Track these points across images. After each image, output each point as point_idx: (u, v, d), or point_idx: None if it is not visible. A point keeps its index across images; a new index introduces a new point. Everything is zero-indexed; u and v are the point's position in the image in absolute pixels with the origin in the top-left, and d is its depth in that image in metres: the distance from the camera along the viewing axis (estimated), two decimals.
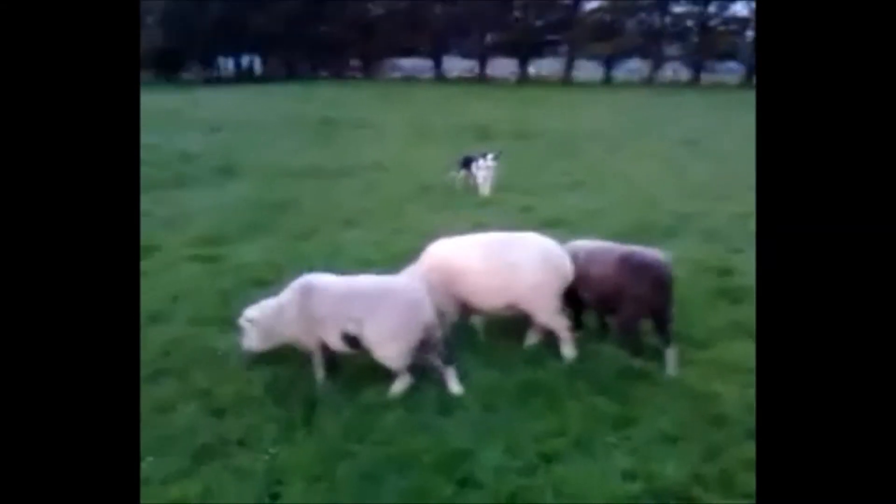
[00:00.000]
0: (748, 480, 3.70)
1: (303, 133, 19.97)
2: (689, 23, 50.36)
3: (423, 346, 4.61)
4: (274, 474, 3.82)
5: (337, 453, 3.99)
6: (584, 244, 5.49)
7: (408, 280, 4.89)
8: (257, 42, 52.21)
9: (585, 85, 48.05)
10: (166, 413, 4.43)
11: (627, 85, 48.37)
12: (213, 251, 8.16)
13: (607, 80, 50.44)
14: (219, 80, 50.77)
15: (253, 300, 5.10)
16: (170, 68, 50.63)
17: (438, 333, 4.71)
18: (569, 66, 52.04)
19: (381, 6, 54.67)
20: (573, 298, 5.43)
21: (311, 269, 5.15)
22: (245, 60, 56.52)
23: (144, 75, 41.82)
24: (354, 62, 56.54)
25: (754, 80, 45.15)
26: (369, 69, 55.31)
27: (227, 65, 56.41)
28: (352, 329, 4.54)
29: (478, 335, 5.57)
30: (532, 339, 5.43)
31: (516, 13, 52.64)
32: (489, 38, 53.04)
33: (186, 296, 6.52)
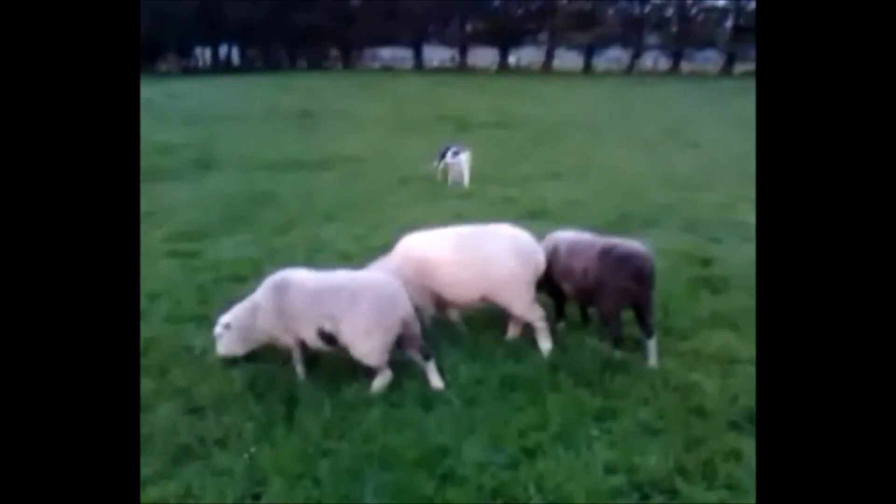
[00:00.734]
0: (730, 471, 3.73)
1: (282, 124, 19.78)
2: (669, 12, 50.62)
3: (402, 341, 4.57)
4: (255, 473, 3.77)
5: (318, 451, 3.95)
6: (565, 236, 5.48)
7: (383, 275, 4.83)
8: (235, 32, 51.51)
9: (566, 74, 48.08)
10: (144, 412, 4.35)
11: (608, 74, 48.48)
12: (191, 246, 8.05)
13: (587, 69, 50.50)
14: (196, 71, 50.11)
15: (231, 296, 5.03)
16: (146, 58, 49.80)
17: (416, 328, 4.67)
18: (549, 56, 52.05)
19: None
20: (554, 290, 5.43)
21: (290, 264, 5.09)
22: (223, 50, 55.78)
23: None
24: (334, 52, 56.07)
25: (733, 69, 46.01)
26: (349, 59, 54.88)
27: (204, 55, 55.64)
28: (328, 327, 4.49)
29: (458, 328, 5.54)
30: (513, 331, 5.42)
31: (496, 2, 52.49)
32: (469, 26, 52.88)
33: (164, 293, 6.42)
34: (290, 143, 16.38)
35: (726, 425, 4.17)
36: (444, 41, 54.65)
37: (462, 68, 51.55)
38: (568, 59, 52.89)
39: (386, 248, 5.69)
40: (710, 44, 50.07)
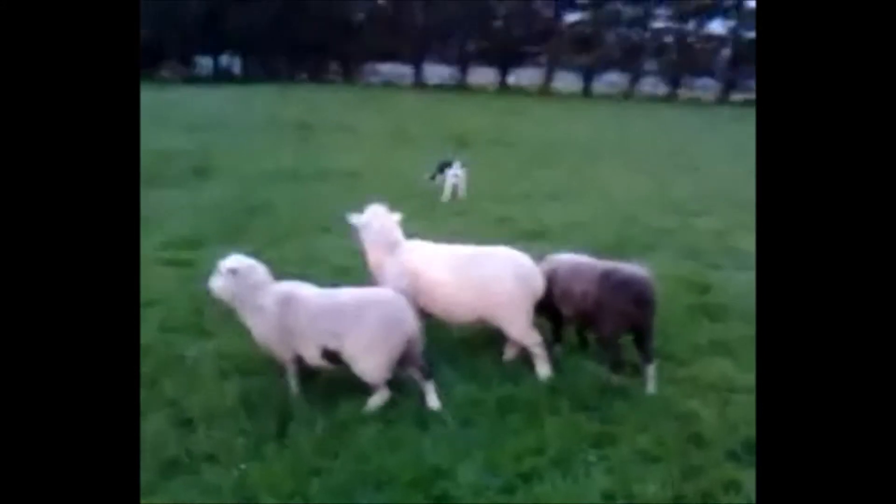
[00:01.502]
0: (730, 502, 3.66)
1: (280, 135, 19.75)
2: (668, 39, 51.11)
3: (404, 359, 4.50)
4: (244, 490, 3.68)
5: (310, 469, 3.86)
6: (564, 258, 5.44)
7: (391, 292, 4.74)
8: (237, 42, 51.68)
9: (564, 96, 48.37)
10: None
11: (606, 97, 48.81)
12: (187, 255, 7.96)
13: (586, 92, 50.82)
14: (197, 80, 50.15)
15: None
16: (149, 65, 49.84)
17: (420, 347, 4.60)
18: (548, 77, 52.36)
19: (363, 10, 54.53)
20: (553, 313, 5.37)
21: (285, 276, 5.02)
22: (224, 60, 55.89)
23: None
24: (334, 65, 56.27)
25: (730, 97, 46.41)
26: (349, 73, 55.07)
27: (205, 64, 55.72)
28: (332, 345, 4.40)
29: (456, 349, 5.47)
30: (511, 353, 5.36)
31: (497, 22, 52.86)
32: (470, 45, 53.18)
33: (158, 301, 6.33)
34: (289, 154, 16.32)
35: (725, 455, 4.12)
36: (445, 59, 54.90)
37: (462, 86, 51.80)
38: (567, 81, 53.18)
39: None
40: (707, 71, 50.63)
